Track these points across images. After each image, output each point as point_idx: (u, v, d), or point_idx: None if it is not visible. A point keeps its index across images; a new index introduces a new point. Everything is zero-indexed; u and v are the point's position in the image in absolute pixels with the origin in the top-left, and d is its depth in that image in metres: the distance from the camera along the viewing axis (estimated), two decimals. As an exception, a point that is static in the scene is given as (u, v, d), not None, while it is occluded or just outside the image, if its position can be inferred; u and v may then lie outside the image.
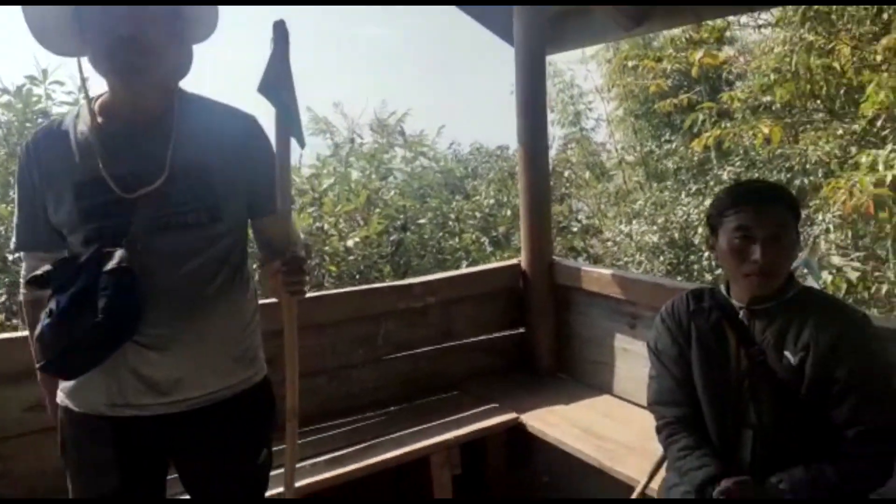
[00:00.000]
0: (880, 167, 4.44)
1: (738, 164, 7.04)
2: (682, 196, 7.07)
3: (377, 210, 4.42)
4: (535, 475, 3.10)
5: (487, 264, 3.27)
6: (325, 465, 2.33)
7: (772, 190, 1.68)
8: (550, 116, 10.17)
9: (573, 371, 3.06)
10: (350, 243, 3.86)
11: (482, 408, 2.75)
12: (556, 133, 9.74)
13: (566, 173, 6.67)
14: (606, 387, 2.87)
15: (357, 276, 4.16)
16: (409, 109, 6.77)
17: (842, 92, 5.88)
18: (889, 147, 4.65)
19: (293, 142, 1.42)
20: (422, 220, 5.45)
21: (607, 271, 2.86)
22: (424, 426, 2.60)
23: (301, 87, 1.38)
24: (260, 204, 1.48)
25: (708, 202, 5.19)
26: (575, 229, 5.90)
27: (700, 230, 6.20)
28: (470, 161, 6.99)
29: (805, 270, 2.09)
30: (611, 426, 2.55)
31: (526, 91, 2.92)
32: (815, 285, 2.07)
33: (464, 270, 3.16)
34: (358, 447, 2.44)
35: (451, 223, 5.27)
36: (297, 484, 2.17)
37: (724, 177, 6.72)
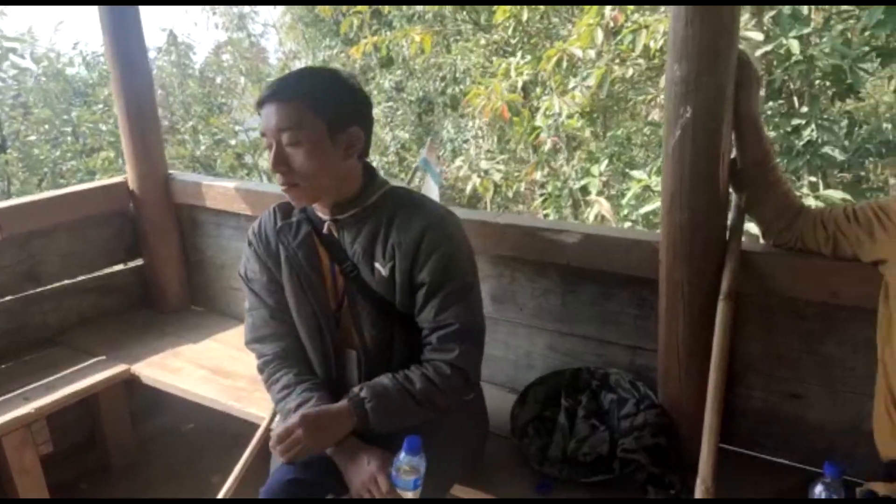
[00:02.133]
0: (512, 74, 4.76)
1: (398, 72, 7.12)
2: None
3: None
4: (175, 424, 2.72)
5: (77, 186, 2.61)
6: None
7: (283, 85, 1.32)
8: (214, 19, 9.18)
9: (208, 302, 2.67)
10: None
11: (83, 364, 2.23)
12: (219, 38, 8.81)
13: (218, 79, 5.94)
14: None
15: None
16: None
17: (484, 2, 6.19)
18: (519, 55, 5.01)
19: None
20: (31, 137, 4.35)
21: (231, 184, 2.47)
22: (-6, 402, 2.00)
23: None
24: None
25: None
26: (233, 142, 5.31)
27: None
28: (101, 63, 5.78)
29: (423, 171, 1.97)
30: (242, 360, 2.24)
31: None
32: (434, 186, 1.97)
33: (42, 195, 2.46)
34: None
35: (69, 139, 4.28)
36: None
37: (386, 85, 6.75)
